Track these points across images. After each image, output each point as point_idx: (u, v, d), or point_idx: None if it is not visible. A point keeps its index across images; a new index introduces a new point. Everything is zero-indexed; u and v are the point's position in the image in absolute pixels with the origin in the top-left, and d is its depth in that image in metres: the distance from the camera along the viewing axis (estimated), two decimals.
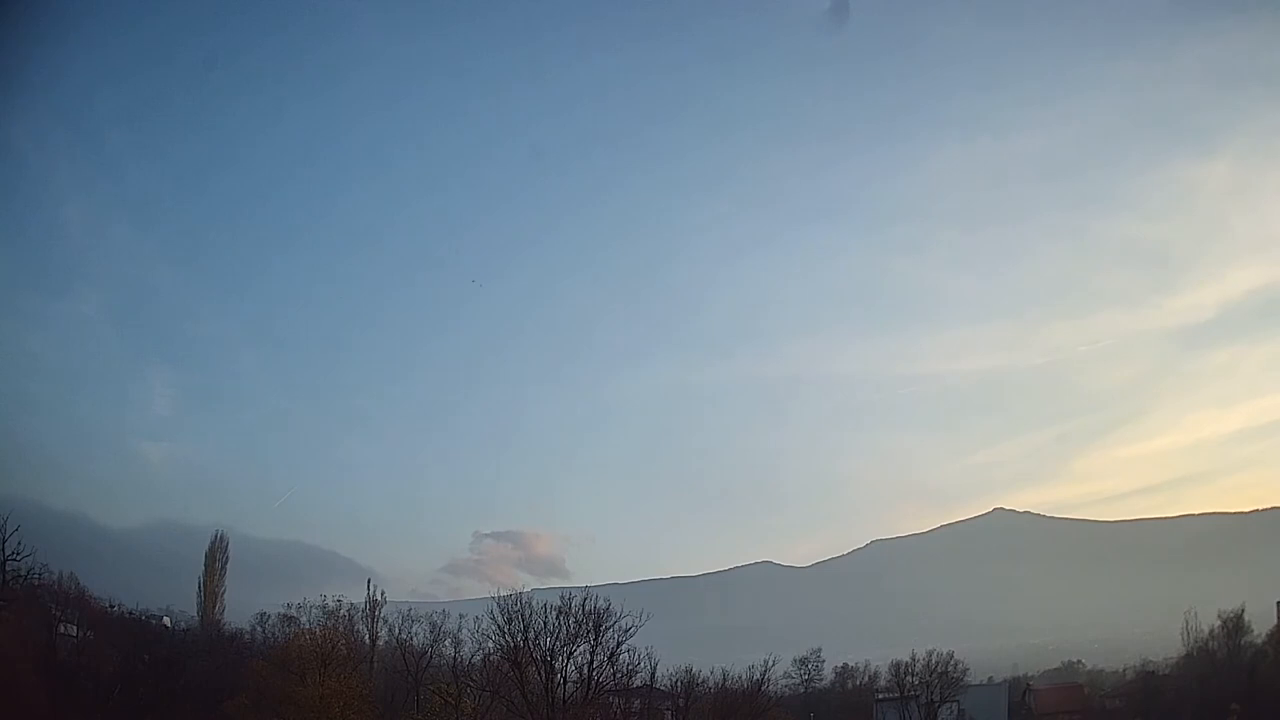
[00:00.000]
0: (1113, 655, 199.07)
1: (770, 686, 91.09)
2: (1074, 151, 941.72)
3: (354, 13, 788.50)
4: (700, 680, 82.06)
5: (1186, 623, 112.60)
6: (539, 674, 62.16)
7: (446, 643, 74.15)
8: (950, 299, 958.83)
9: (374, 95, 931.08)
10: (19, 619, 62.56)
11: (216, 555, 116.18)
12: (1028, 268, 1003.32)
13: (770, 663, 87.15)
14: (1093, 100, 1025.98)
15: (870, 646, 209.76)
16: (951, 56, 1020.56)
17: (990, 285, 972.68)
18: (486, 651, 66.82)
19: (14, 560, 64.76)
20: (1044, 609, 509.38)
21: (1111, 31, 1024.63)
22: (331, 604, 76.46)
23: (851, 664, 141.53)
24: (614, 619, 63.51)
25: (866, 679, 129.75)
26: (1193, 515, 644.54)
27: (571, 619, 62.27)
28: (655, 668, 73.41)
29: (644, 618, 65.37)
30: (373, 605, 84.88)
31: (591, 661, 63.33)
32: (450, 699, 61.62)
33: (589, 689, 63.41)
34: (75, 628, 77.48)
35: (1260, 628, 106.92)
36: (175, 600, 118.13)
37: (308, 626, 70.98)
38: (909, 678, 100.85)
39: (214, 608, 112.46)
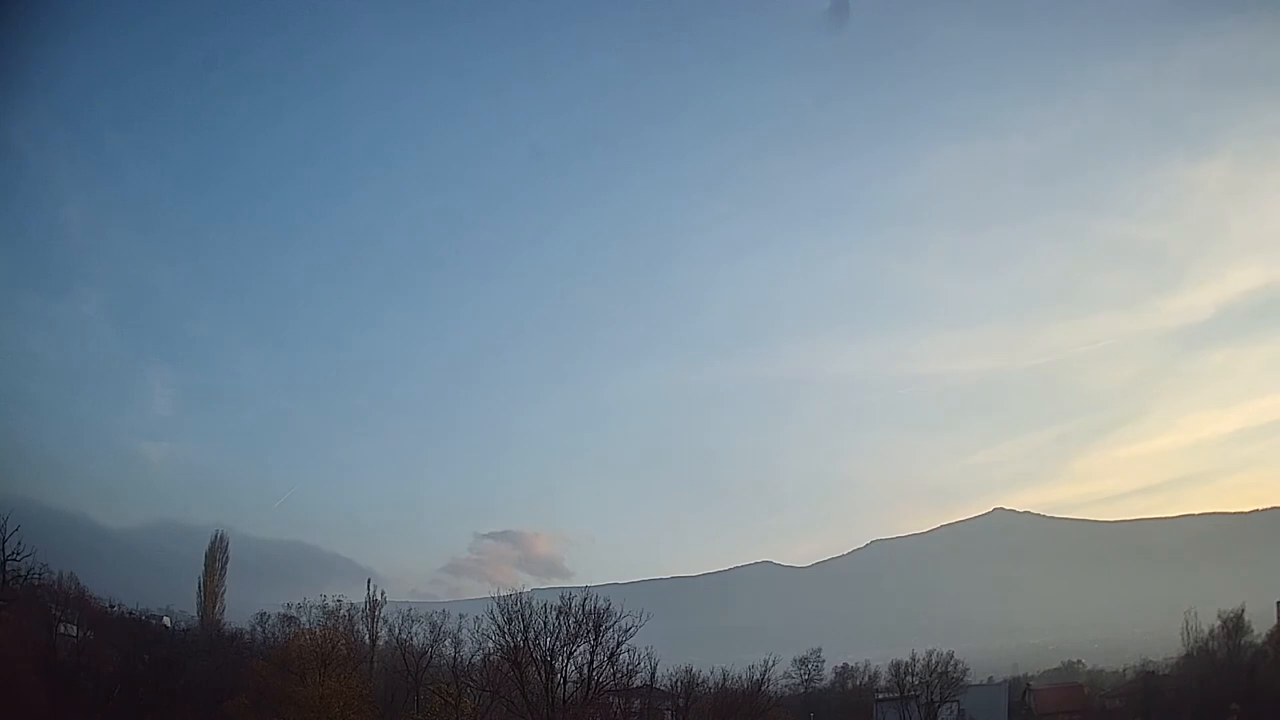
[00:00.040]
0: (1113, 655, 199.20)
1: (770, 686, 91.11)
2: (1072, 152, 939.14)
3: (354, 13, 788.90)
4: (700, 680, 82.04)
5: (1186, 623, 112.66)
6: (539, 674, 62.14)
7: (446, 643, 74.24)
8: (950, 299, 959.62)
9: (374, 95, 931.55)
10: (19, 619, 62.55)
11: (216, 555, 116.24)
12: (1027, 268, 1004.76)
13: (770, 663, 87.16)
14: (1091, 101, 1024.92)
15: (870, 646, 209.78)
16: (951, 57, 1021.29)
17: (990, 285, 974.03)
18: (486, 651, 66.87)
19: (14, 560, 64.77)
20: (1044, 609, 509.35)
21: (1109, 32, 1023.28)
22: (331, 604, 76.61)
23: (851, 664, 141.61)
24: (614, 619, 63.53)
25: (866, 679, 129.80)
26: (1193, 515, 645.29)
27: (571, 619, 62.27)
28: (655, 668, 73.43)
29: (644, 618, 65.32)
30: (373, 605, 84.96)
31: (591, 661, 63.33)
32: (450, 699, 61.62)
33: (589, 689, 63.39)
34: (75, 628, 77.49)
35: (1260, 628, 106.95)
36: (175, 600, 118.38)
37: (308, 626, 71.00)
38: (909, 678, 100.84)
39: (214, 608, 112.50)
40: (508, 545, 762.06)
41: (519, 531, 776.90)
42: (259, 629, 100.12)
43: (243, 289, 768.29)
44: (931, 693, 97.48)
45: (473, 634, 68.87)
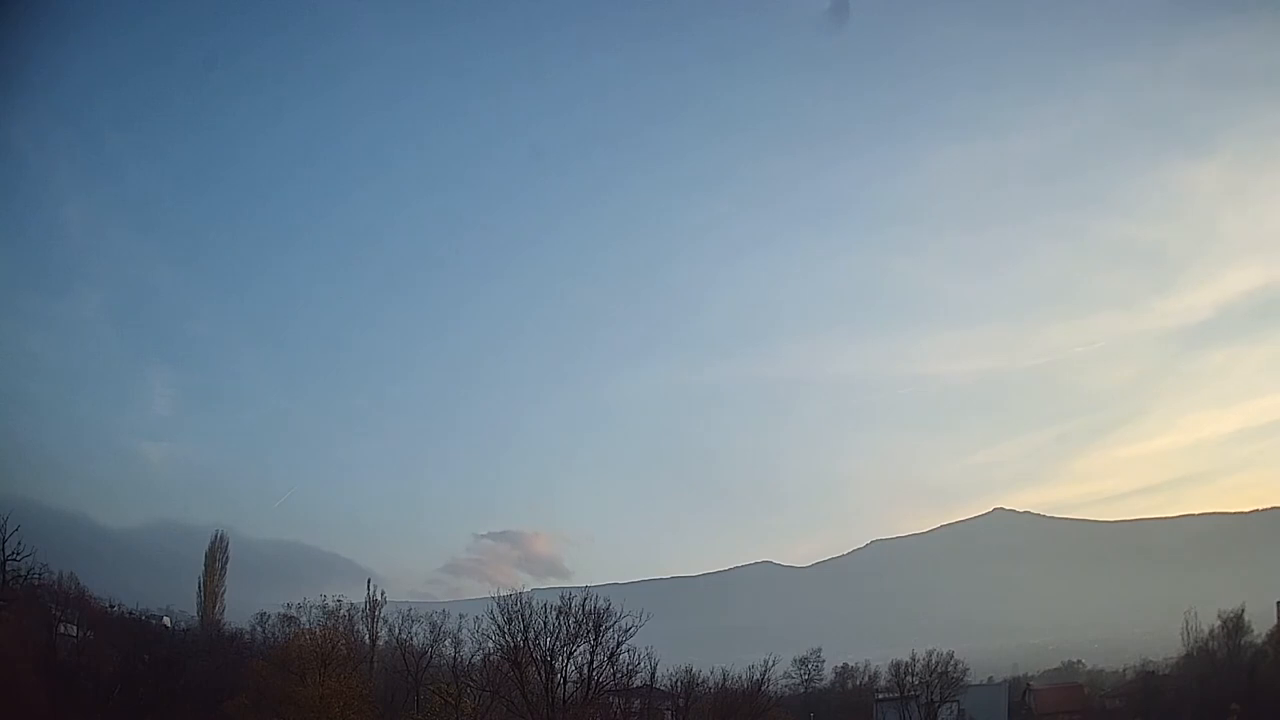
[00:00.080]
0: (1113, 655, 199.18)
1: (770, 686, 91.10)
2: (1072, 152, 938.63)
3: (354, 13, 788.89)
4: (700, 680, 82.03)
5: (1186, 623, 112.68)
6: (539, 674, 62.13)
7: (446, 643, 74.23)
8: (950, 299, 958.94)
9: (374, 95, 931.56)
10: (19, 619, 62.55)
11: (216, 555, 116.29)
12: (1027, 268, 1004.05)
13: (770, 663, 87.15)
14: (1091, 101, 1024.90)
15: (870, 646, 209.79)
16: (951, 57, 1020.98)
17: (990, 285, 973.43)
18: (486, 651, 66.86)
19: (14, 560, 64.78)
20: (1044, 609, 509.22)
21: (1109, 32, 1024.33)
22: (331, 604, 76.57)
23: (851, 664, 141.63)
24: (614, 619, 63.52)
25: (866, 679, 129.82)
26: (1193, 515, 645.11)
27: (571, 619, 62.26)
28: (655, 668, 73.43)
29: (644, 618, 65.31)
30: (373, 605, 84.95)
31: (591, 661, 63.32)
32: (450, 699, 61.61)
33: (589, 689, 63.38)
34: (75, 628, 77.49)
35: (1260, 628, 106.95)
36: (175, 600, 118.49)
37: (308, 626, 70.98)
38: (909, 678, 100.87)
39: (214, 608, 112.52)
40: (507, 545, 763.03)
41: (518, 531, 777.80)
42: (259, 629, 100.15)
43: (243, 289, 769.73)
44: (931, 693, 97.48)
45: (473, 634, 68.96)
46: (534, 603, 63.75)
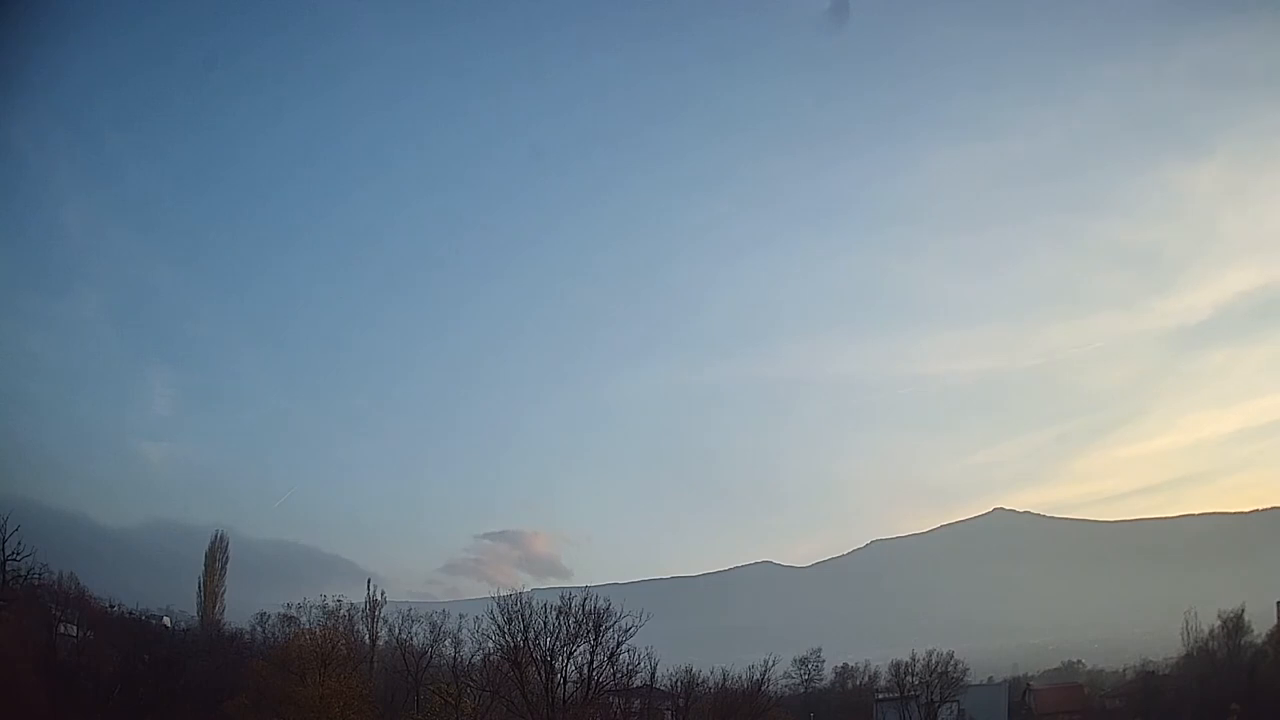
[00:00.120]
0: (1113, 655, 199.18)
1: (770, 686, 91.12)
2: (1072, 153, 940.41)
3: (354, 13, 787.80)
4: (700, 680, 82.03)
5: (1186, 623, 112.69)
6: (539, 674, 62.13)
7: (446, 643, 74.21)
8: (950, 299, 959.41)
9: (374, 95, 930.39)
10: (19, 619, 62.56)
11: (216, 555, 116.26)
12: (1027, 268, 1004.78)
13: (770, 663, 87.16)
14: (1090, 101, 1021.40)
15: (870, 646, 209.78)
16: (951, 57, 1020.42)
17: (989, 286, 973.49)
18: (486, 651, 66.85)
19: (14, 560, 64.79)
20: (1044, 609, 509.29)
21: (1109, 32, 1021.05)
22: (331, 604, 76.53)
23: (851, 664, 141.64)
24: (614, 619, 63.51)
25: (866, 679, 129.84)
26: (1193, 515, 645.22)
27: (571, 619, 62.26)
28: (655, 668, 73.42)
29: (644, 618, 65.30)
30: (373, 605, 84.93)
31: (591, 661, 63.31)
32: (450, 699, 61.61)
33: (589, 689, 63.37)
34: (75, 628, 77.49)
35: (1260, 628, 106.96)
36: (175, 600, 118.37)
37: (308, 626, 70.96)
38: (909, 678, 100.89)
39: (214, 608, 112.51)
40: (507, 545, 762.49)
41: (518, 531, 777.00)
42: (259, 629, 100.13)
43: (243, 289, 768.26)
44: (931, 693, 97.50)
45: (473, 634, 68.95)
46: (534, 603, 63.73)
